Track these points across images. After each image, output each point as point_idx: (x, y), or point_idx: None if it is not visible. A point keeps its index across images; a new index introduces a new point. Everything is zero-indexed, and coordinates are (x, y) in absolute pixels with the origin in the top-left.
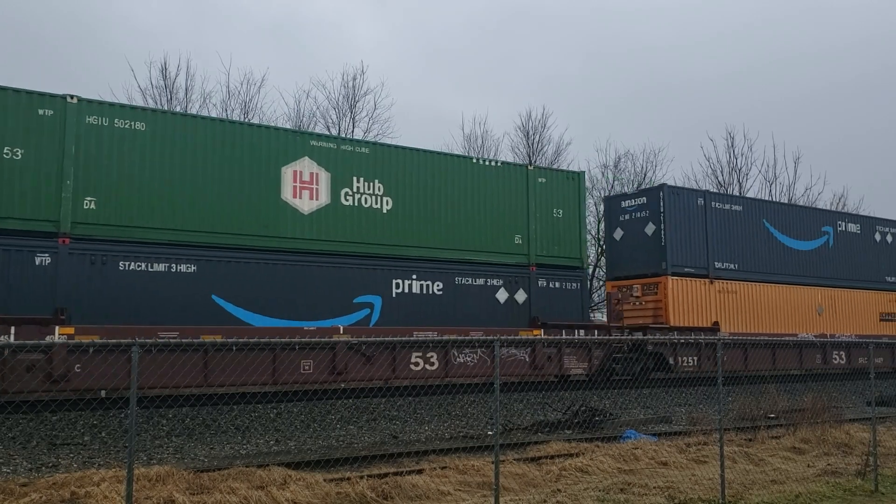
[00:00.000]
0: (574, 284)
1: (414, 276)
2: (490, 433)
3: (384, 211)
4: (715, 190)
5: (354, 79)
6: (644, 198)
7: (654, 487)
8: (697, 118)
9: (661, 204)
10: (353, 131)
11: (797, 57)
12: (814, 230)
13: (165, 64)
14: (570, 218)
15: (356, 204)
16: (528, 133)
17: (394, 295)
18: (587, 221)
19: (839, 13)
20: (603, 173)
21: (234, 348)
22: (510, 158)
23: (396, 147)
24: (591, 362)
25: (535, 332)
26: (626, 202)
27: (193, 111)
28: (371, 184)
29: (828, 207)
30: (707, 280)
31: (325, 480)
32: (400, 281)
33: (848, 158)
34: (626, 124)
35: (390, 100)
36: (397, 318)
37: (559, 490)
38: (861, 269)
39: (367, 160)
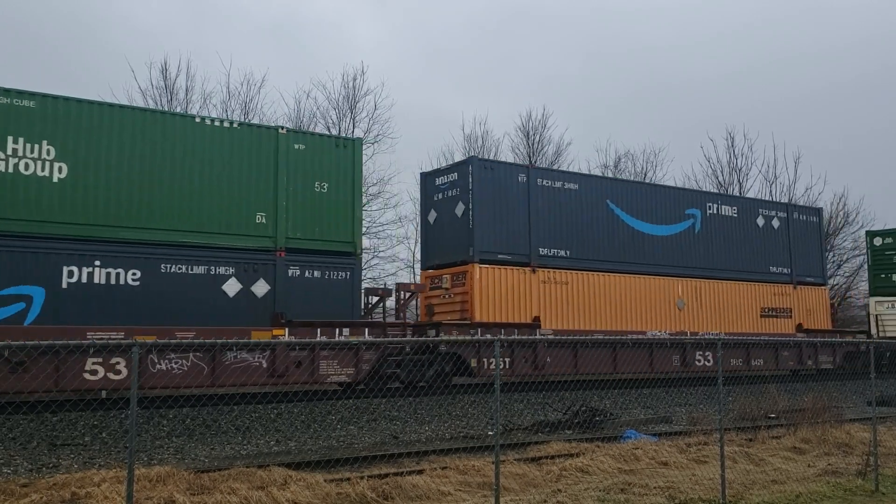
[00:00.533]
0: (343, 274)
1: (97, 263)
2: (490, 433)
3: (55, 180)
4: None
5: (355, 79)
6: (455, 173)
7: (655, 487)
8: (697, 118)
9: (471, 180)
10: (353, 131)
11: (797, 57)
12: (675, 213)
13: (166, 64)
14: (339, 193)
15: (11, 170)
16: (528, 133)
17: (64, 286)
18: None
19: (839, 13)
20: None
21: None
22: (510, 159)
23: (80, 101)
24: (359, 367)
25: (277, 331)
26: (440, 179)
27: (194, 111)
28: (37, 146)
29: (827, 206)
30: (528, 269)
31: (325, 481)
32: (75, 268)
33: (848, 158)
34: (627, 124)
35: (390, 100)
36: (70, 314)
37: (559, 490)
38: (738, 257)
39: (33, 117)
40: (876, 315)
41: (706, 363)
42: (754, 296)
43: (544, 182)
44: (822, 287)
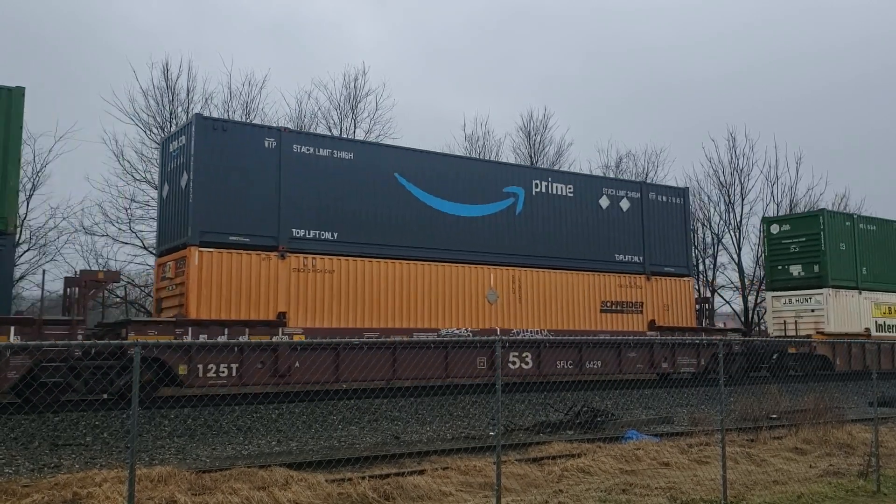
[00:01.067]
0: None
1: None
2: (492, 434)
3: None
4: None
5: (356, 80)
6: (183, 137)
7: (656, 488)
8: (698, 118)
9: (192, 143)
10: (354, 132)
11: (797, 57)
12: (489, 191)
13: (167, 65)
14: None
15: None
16: (529, 133)
17: None
18: None
19: (839, 13)
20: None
21: None
22: (511, 159)
23: None
24: (3, 375)
25: None
26: (173, 144)
27: (195, 111)
28: None
29: (829, 207)
30: (275, 254)
31: (326, 481)
32: None
33: (849, 159)
34: (627, 125)
35: (392, 100)
36: None
37: (561, 491)
38: (573, 243)
39: None
40: (773, 312)
41: (523, 366)
42: (593, 288)
43: (304, 149)
44: (686, 278)
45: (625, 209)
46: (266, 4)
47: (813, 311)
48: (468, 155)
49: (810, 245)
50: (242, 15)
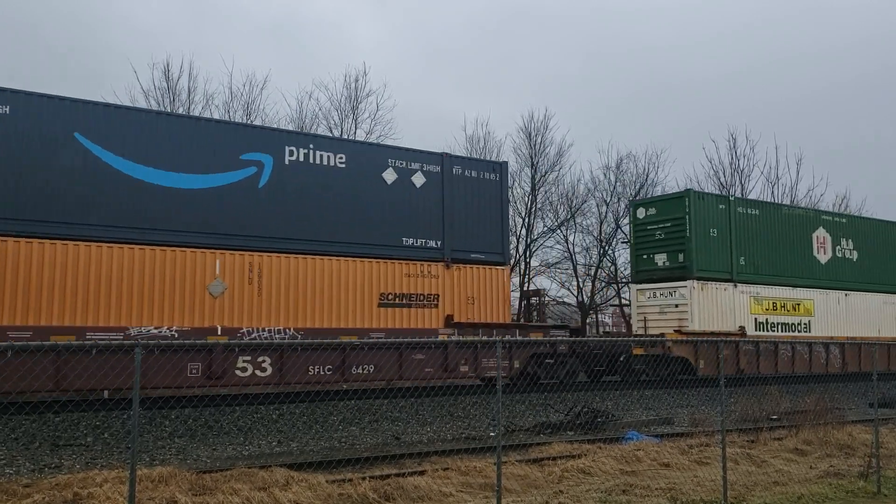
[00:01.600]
0: None
1: None
2: (492, 434)
3: None
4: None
5: (356, 80)
6: None
7: (657, 489)
8: (699, 119)
9: None
10: (355, 132)
11: (797, 57)
12: (220, 158)
13: (168, 65)
14: None
15: None
16: (530, 134)
17: None
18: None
19: (839, 13)
20: None
21: None
22: (512, 160)
23: None
24: None
25: None
26: None
27: (196, 113)
28: None
29: (829, 209)
30: None
31: (327, 481)
32: None
33: (849, 159)
34: (628, 125)
35: (392, 101)
36: None
37: (561, 491)
38: (344, 224)
39: None
40: (637, 307)
41: (258, 372)
42: (368, 278)
43: None
44: (501, 267)
45: (418, 185)
46: (266, 4)
47: (676, 306)
48: (191, 114)
49: (675, 231)
50: (242, 15)
